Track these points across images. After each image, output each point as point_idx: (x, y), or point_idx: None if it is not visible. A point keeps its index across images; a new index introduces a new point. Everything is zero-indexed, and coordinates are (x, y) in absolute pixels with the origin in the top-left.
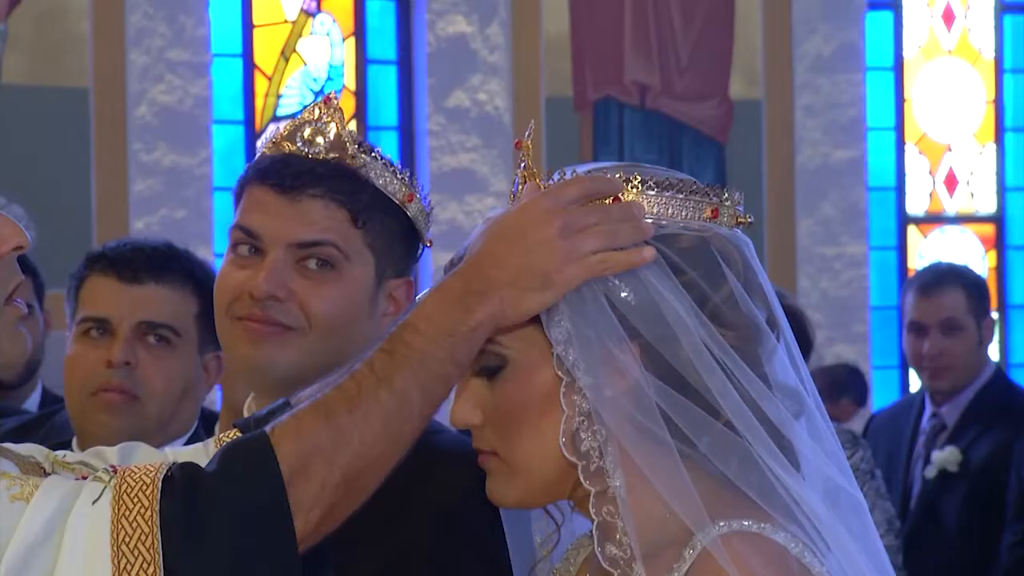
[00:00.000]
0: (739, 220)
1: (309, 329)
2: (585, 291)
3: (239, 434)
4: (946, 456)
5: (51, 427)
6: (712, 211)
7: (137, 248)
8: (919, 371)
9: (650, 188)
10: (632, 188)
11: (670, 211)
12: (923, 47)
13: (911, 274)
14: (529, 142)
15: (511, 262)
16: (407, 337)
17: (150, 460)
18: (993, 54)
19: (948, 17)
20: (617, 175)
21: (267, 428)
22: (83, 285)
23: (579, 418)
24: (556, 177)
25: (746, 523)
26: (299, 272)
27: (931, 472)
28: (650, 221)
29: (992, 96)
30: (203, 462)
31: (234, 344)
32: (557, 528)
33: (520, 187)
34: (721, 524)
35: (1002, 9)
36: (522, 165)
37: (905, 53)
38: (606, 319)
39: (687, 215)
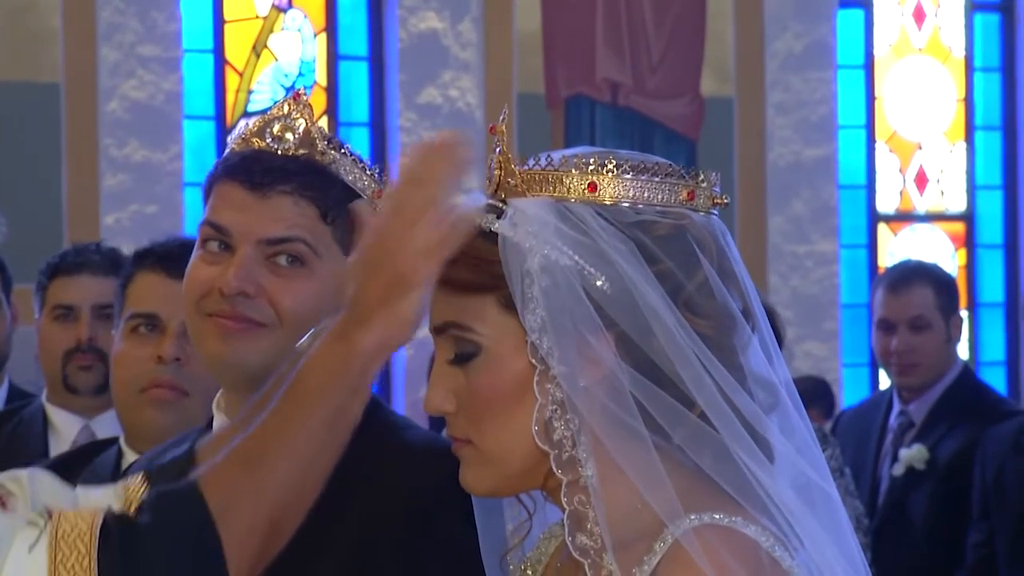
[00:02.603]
0: (715, 201)
1: (280, 325)
2: (560, 279)
3: (146, 482)
4: (913, 454)
5: (19, 421)
6: (688, 193)
7: (185, 245)
8: (887, 368)
9: (626, 172)
10: (608, 172)
11: (646, 194)
12: (894, 45)
13: (881, 272)
14: (503, 127)
15: (375, 282)
16: (307, 378)
17: (56, 492)
18: (964, 52)
19: (919, 15)
20: (592, 160)
21: (194, 477)
22: (130, 282)
23: (552, 407)
24: (531, 163)
25: (717, 516)
26: (269, 268)
27: (899, 470)
28: (626, 206)
29: (963, 94)
30: (115, 505)
31: (204, 340)
32: (529, 517)
33: (496, 173)
34: (692, 517)
35: (972, 7)
36: (497, 150)
37: (876, 51)
38: (581, 308)
39: (663, 198)
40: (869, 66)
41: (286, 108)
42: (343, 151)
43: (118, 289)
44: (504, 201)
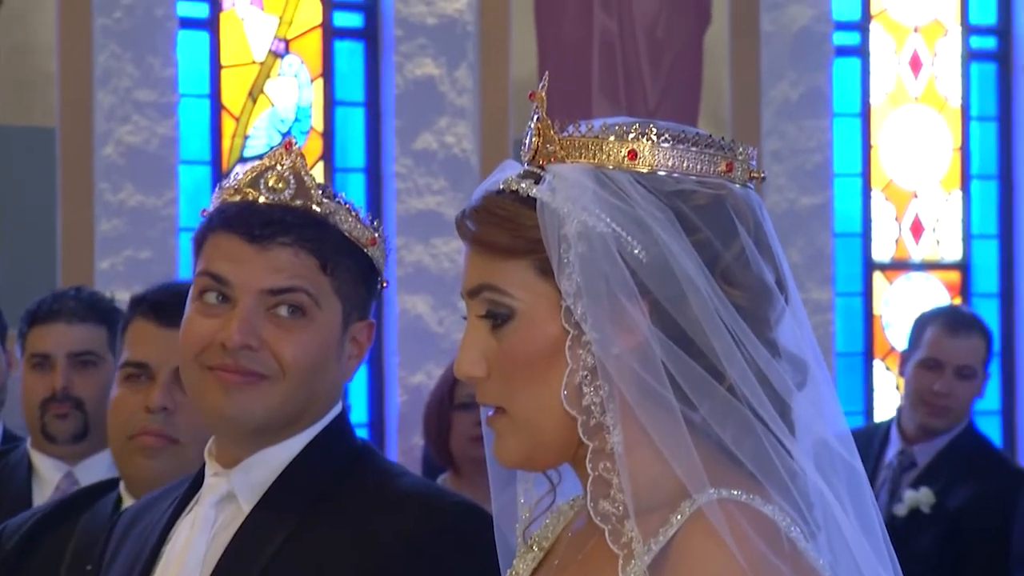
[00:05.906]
0: (752, 175)
1: (283, 377)
2: (597, 245)
3: None
4: (920, 496)
5: (4, 466)
6: (727, 165)
7: (175, 293)
8: (918, 405)
9: (665, 141)
10: (647, 141)
11: (685, 164)
12: (890, 94)
13: (876, 320)
14: (543, 93)
15: None
16: None
17: None
18: (960, 101)
19: (915, 64)
20: (632, 128)
21: None
22: (127, 329)
23: (583, 372)
24: (571, 129)
25: (735, 492)
26: (269, 320)
27: (901, 510)
28: (663, 174)
29: (959, 143)
30: None
31: (205, 394)
32: (552, 489)
33: (535, 139)
34: (711, 491)
35: (969, 56)
36: (535, 117)
37: (872, 100)
38: (617, 274)
39: (702, 168)
40: (865, 114)
41: (278, 158)
42: (337, 200)
43: (119, 333)
44: (542, 167)
